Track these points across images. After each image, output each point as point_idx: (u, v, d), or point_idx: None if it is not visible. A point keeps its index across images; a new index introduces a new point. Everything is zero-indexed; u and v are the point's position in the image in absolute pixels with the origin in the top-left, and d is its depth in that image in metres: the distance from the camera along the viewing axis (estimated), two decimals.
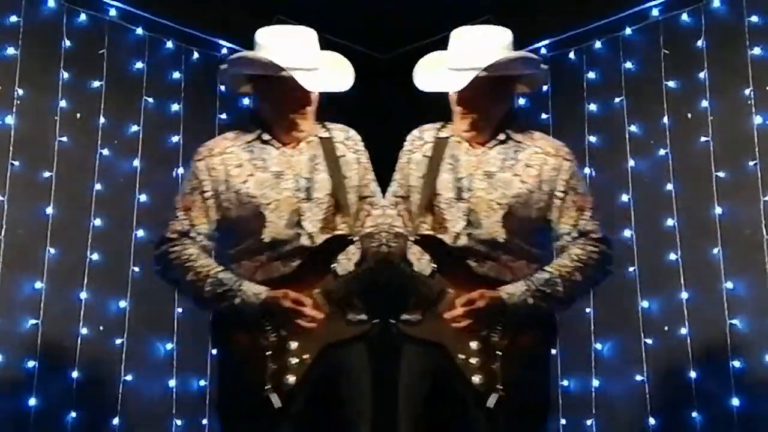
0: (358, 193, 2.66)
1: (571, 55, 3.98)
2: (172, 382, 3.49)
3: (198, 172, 2.62)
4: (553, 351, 2.58)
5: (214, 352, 2.51)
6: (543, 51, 3.95)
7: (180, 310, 3.81)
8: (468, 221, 2.63)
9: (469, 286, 2.60)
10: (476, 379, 2.56)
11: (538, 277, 2.53)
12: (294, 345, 2.59)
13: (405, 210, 2.71)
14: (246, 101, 3.75)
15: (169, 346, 3.56)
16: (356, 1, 3.88)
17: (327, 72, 2.71)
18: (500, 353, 2.56)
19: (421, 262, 2.67)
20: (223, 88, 3.88)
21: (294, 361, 2.58)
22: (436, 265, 2.60)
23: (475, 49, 2.71)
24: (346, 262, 2.64)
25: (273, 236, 2.59)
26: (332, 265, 2.62)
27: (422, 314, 2.58)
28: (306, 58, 2.67)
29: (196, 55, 3.91)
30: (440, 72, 2.71)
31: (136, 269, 3.64)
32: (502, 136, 2.63)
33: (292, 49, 2.70)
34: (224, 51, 4.05)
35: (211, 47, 4.04)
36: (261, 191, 2.57)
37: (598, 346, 3.51)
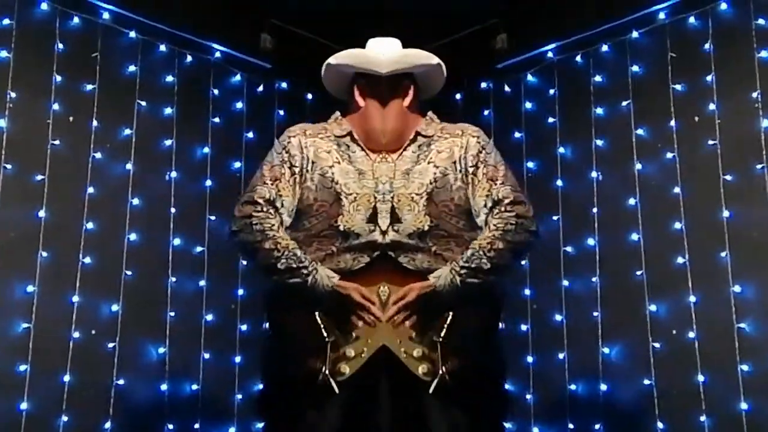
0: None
1: (578, 58, 4.17)
2: (164, 386, 3.67)
3: (290, 146, 2.69)
4: (500, 325, 2.75)
5: (268, 327, 2.74)
6: (550, 54, 4.18)
7: (172, 313, 3.96)
8: (393, 218, 2.74)
9: (405, 282, 2.67)
10: (421, 369, 2.57)
11: (462, 255, 2.55)
12: (354, 337, 2.60)
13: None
14: (240, 105, 4.22)
15: (161, 349, 3.71)
16: (355, 6, 4.13)
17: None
18: (439, 340, 2.57)
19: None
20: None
21: (351, 353, 2.58)
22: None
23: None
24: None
25: (348, 226, 2.63)
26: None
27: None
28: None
29: (189, 58, 4.14)
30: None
31: (129, 273, 3.78)
32: (411, 135, 2.74)
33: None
34: (217, 54, 4.25)
35: (204, 50, 4.23)
36: (345, 179, 2.62)
37: (606, 350, 3.70)
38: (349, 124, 2.65)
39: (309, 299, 2.51)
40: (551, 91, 4.03)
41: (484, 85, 4.19)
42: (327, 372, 2.53)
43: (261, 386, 2.70)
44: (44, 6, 3.62)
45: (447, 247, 2.62)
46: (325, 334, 2.52)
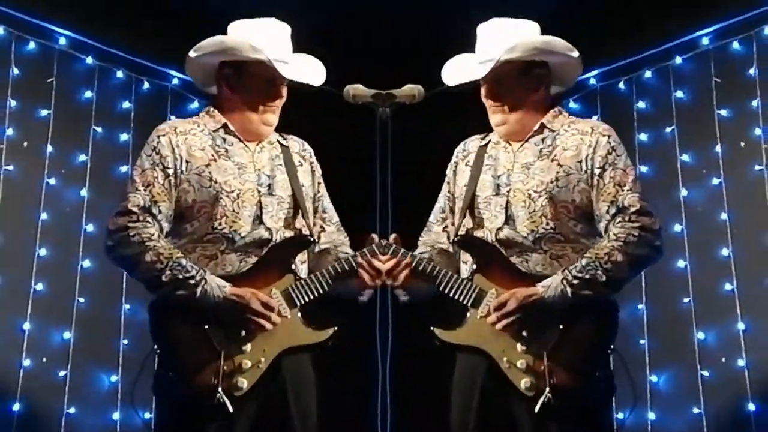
0: (313, 204, 3.05)
1: (621, 85, 4.64)
2: (116, 415, 4.15)
3: (160, 147, 2.86)
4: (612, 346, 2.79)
5: (155, 347, 2.79)
6: (592, 81, 4.67)
7: (125, 341, 4.21)
8: (506, 216, 2.80)
9: (516, 283, 2.70)
10: (523, 383, 2.60)
11: (576, 264, 2.70)
12: (249, 347, 2.70)
13: (450, 224, 2.99)
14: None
15: (113, 378, 4.12)
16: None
17: (300, 66, 2.94)
18: (547, 353, 2.60)
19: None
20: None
21: (248, 364, 2.67)
22: (475, 266, 2.79)
23: (501, 39, 2.84)
24: (300, 265, 2.92)
25: (232, 226, 2.77)
26: (292, 266, 2.82)
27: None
28: (280, 51, 2.92)
29: (146, 84, 4.69)
30: (467, 66, 2.90)
31: (82, 300, 4.23)
32: (536, 127, 2.90)
33: (266, 39, 2.86)
34: (175, 81, 4.72)
35: (161, 77, 4.71)
36: (224, 178, 2.87)
37: (654, 378, 4.14)
38: (223, 115, 2.95)
39: (199, 311, 2.69)
40: (594, 118, 4.42)
41: None
42: (220, 389, 2.55)
43: (155, 413, 2.99)
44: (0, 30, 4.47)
45: (563, 252, 2.77)
46: (217, 346, 2.67)
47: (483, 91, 2.90)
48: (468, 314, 2.73)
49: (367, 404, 2.90)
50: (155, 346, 2.73)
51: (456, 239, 2.83)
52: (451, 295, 2.74)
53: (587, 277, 2.64)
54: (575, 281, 2.64)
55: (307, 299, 2.79)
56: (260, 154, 2.92)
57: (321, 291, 2.77)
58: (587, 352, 2.64)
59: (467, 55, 2.95)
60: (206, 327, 2.62)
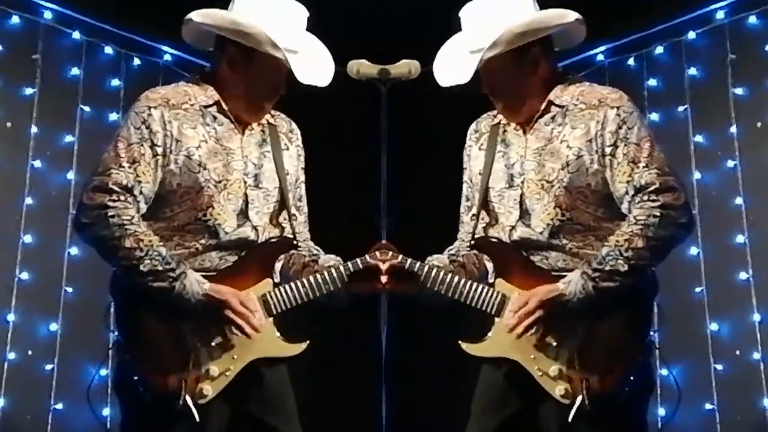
0: (293, 193, 2.94)
1: (631, 61, 4.55)
2: (106, 411, 3.99)
3: (151, 121, 2.71)
4: (651, 333, 2.65)
5: (116, 335, 2.71)
6: (600, 57, 4.59)
7: (116, 333, 4.22)
8: (521, 211, 2.68)
9: (539, 283, 2.58)
10: (558, 391, 2.52)
11: (597, 255, 2.58)
12: (220, 353, 2.61)
13: (473, 215, 2.90)
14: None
15: (103, 372, 3.90)
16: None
17: (309, 59, 2.75)
18: (578, 355, 2.52)
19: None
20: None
21: (215, 371, 2.58)
22: (495, 271, 2.68)
23: (486, 23, 2.67)
24: (276, 264, 2.80)
25: (216, 219, 2.66)
26: (274, 272, 2.72)
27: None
28: (291, 38, 2.74)
29: (137, 61, 4.56)
30: (459, 59, 2.72)
31: (69, 289, 4.15)
32: (543, 105, 2.75)
33: (278, 24, 2.69)
34: (167, 57, 4.63)
35: (153, 53, 4.60)
36: (213, 164, 2.74)
37: (664, 372, 3.93)
38: (216, 89, 2.83)
39: (174, 307, 2.60)
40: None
41: None
42: (185, 394, 2.49)
43: (119, 409, 2.82)
44: None
45: (585, 242, 2.66)
46: (187, 348, 2.59)
47: (481, 86, 2.76)
48: (494, 324, 2.62)
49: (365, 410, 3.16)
50: (116, 334, 2.66)
51: (472, 242, 2.73)
52: (472, 305, 2.64)
53: (608, 268, 2.55)
54: (596, 274, 2.56)
55: (284, 308, 2.69)
56: (249, 138, 2.81)
57: (304, 300, 2.66)
58: (619, 348, 2.54)
59: (458, 42, 2.77)
60: (178, 324, 2.55)
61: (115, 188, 2.60)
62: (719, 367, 4.25)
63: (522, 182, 2.70)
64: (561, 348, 2.58)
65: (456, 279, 2.69)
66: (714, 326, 4.30)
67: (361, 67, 2.77)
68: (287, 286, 2.69)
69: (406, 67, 2.77)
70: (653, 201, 2.58)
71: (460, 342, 2.66)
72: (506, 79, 2.72)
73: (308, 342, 2.66)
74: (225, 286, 2.62)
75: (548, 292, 2.60)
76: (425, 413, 4.37)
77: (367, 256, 2.73)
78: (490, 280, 2.73)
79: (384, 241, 2.68)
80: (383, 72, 2.74)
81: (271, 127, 2.88)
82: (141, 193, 2.64)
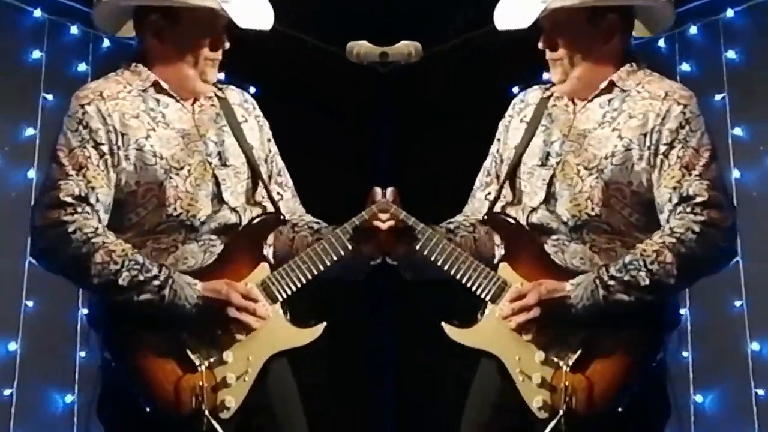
0: (266, 167, 2.73)
1: (661, 43, 4.19)
2: None
3: (88, 119, 2.51)
4: (661, 353, 2.41)
5: (109, 360, 2.46)
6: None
7: (83, 354, 3.86)
8: (548, 192, 2.52)
9: (547, 278, 2.43)
10: (536, 402, 2.34)
11: (618, 261, 2.41)
12: (230, 356, 2.44)
13: (494, 191, 2.68)
14: None
15: (69, 398, 3.77)
16: None
17: (242, 3, 2.56)
18: (568, 367, 2.34)
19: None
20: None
21: (232, 377, 2.41)
22: (503, 252, 2.53)
23: None
24: (268, 249, 2.64)
25: (188, 210, 2.49)
26: (265, 252, 2.56)
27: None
28: None
29: (106, 43, 4.20)
30: (526, 1, 2.54)
31: (30, 304, 3.85)
32: (604, 84, 2.57)
33: None
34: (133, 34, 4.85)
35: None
36: (169, 150, 2.54)
37: (699, 398, 3.78)
38: (150, 70, 2.63)
39: (168, 318, 2.40)
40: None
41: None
42: (207, 412, 2.29)
43: None
44: None
45: (610, 245, 2.48)
46: (195, 360, 2.39)
47: (541, 39, 2.57)
48: (486, 310, 2.49)
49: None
50: (108, 357, 2.43)
51: (485, 216, 2.56)
52: (468, 285, 2.48)
53: (626, 278, 2.37)
54: (611, 282, 2.37)
55: (290, 291, 2.51)
56: (201, 116, 2.61)
57: (308, 278, 2.49)
58: (616, 370, 2.35)
59: None
60: (178, 334, 2.37)
61: (69, 200, 2.43)
62: (761, 392, 3.93)
63: (557, 163, 2.54)
64: (551, 354, 2.42)
65: (457, 252, 2.51)
66: (755, 346, 4.00)
67: (361, 49, 2.59)
68: (287, 267, 2.51)
69: (406, 48, 2.58)
70: (696, 214, 2.39)
71: (443, 324, 2.50)
72: (572, 38, 2.54)
73: (325, 324, 2.47)
74: (219, 281, 2.44)
75: (552, 289, 2.43)
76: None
77: (364, 213, 2.53)
78: (495, 263, 2.61)
79: (383, 192, 2.44)
80: (384, 54, 2.55)
81: (222, 101, 2.69)
82: (98, 200, 2.46)
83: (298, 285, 2.53)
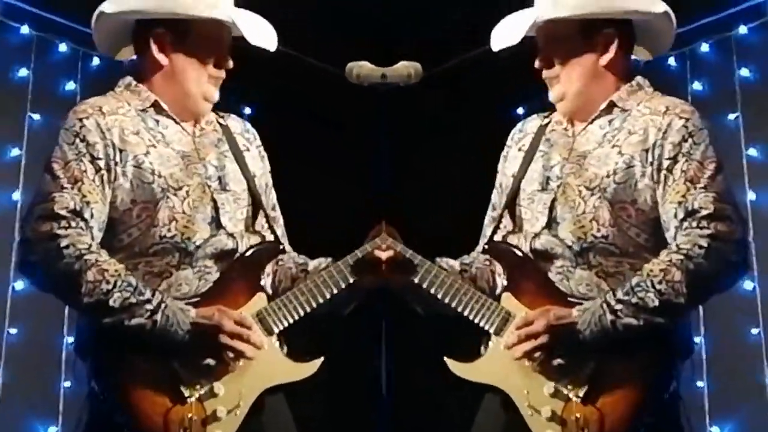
0: (265, 197, 2.69)
1: (671, 61, 4.15)
2: None
3: (86, 132, 2.46)
4: (674, 382, 2.34)
5: (95, 388, 2.37)
6: (634, 57, 3.81)
7: (67, 384, 3.78)
8: (550, 216, 2.46)
9: (553, 306, 2.39)
10: None
11: (624, 284, 2.34)
12: (222, 388, 2.37)
13: (495, 220, 2.65)
14: None
15: (52, 429, 3.68)
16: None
17: (249, 23, 2.50)
18: (579, 399, 2.27)
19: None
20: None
21: (223, 411, 2.33)
22: (506, 283, 2.49)
23: None
24: (266, 278, 2.60)
25: (184, 233, 2.43)
26: (262, 282, 2.52)
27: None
28: (223, 8, 2.51)
29: (96, 61, 4.14)
30: (518, 20, 2.49)
31: (13, 331, 3.76)
32: (604, 105, 2.52)
33: None
34: (132, 57, 4.06)
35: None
36: (168, 169, 2.49)
37: (716, 429, 3.69)
38: (150, 90, 2.58)
39: (160, 345, 2.35)
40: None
41: None
42: None
43: None
44: None
45: (618, 269, 2.42)
46: (185, 392, 2.33)
47: (537, 59, 2.52)
48: (490, 343, 2.43)
49: None
50: (95, 386, 2.36)
51: (485, 247, 2.51)
52: (470, 318, 2.41)
53: (634, 300, 2.30)
54: (619, 306, 2.29)
55: (287, 323, 2.44)
56: (202, 139, 2.57)
57: (307, 310, 2.43)
58: (630, 400, 2.28)
59: (527, 10, 2.55)
60: (169, 363, 2.29)
61: (63, 213, 2.34)
62: None
63: (558, 186, 2.48)
64: (561, 385, 2.34)
65: (457, 284, 2.45)
66: None
67: (361, 70, 2.53)
68: (284, 298, 2.45)
69: (406, 70, 2.53)
70: (702, 228, 2.31)
71: (446, 359, 2.43)
72: (566, 53, 2.49)
73: (322, 358, 2.40)
74: (212, 307, 2.36)
75: (560, 316, 2.36)
76: None
77: (367, 246, 2.49)
78: (497, 293, 2.54)
79: (383, 227, 2.44)
80: (383, 76, 2.49)
81: (224, 128, 2.64)
82: (92, 216, 2.38)
83: (295, 317, 2.48)
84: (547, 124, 2.63)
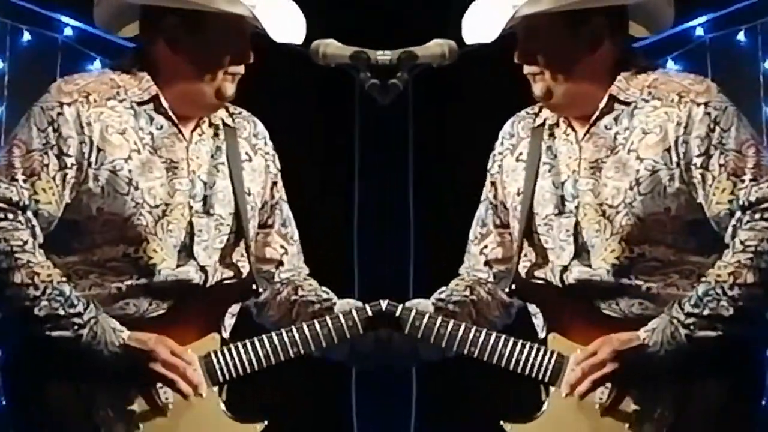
0: (260, 218, 2.51)
1: (741, 36, 3.76)
2: None
3: (62, 121, 2.27)
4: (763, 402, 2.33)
5: (5, 404, 2.32)
6: (699, 32, 3.84)
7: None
8: (576, 244, 2.31)
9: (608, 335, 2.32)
10: None
11: (690, 295, 2.20)
12: (142, 428, 2.19)
13: (500, 245, 2.48)
14: None
15: None
16: None
17: (272, 13, 2.28)
18: (668, 430, 2.16)
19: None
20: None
21: None
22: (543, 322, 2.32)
23: None
24: (229, 319, 2.40)
25: (150, 256, 2.26)
26: (224, 323, 2.32)
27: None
28: None
29: (27, 36, 3.79)
30: (496, 12, 2.28)
31: None
32: (603, 102, 2.34)
33: None
34: (68, 32, 3.87)
35: (48, 26, 3.83)
36: (148, 182, 2.30)
37: None
38: (154, 80, 2.40)
39: (83, 364, 2.20)
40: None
41: None
42: None
43: None
44: None
45: (667, 281, 2.29)
46: (102, 420, 2.18)
47: (516, 52, 2.31)
48: (547, 395, 2.25)
49: None
50: (4, 404, 2.27)
51: (512, 286, 2.32)
52: (516, 371, 2.23)
53: (706, 312, 2.18)
54: (690, 320, 2.18)
55: (236, 375, 2.23)
56: (198, 147, 2.37)
57: (264, 365, 2.23)
58: (724, 423, 2.17)
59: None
60: (89, 391, 2.15)
61: (2, 205, 2.19)
62: None
63: (576, 207, 2.32)
64: (644, 420, 2.18)
65: (493, 338, 2.22)
66: None
67: (328, 49, 2.22)
68: (242, 345, 2.24)
69: (440, 48, 2.21)
70: (766, 220, 2.17)
71: (502, 424, 2.23)
72: (551, 49, 2.31)
73: (265, 423, 2.20)
74: (150, 333, 2.21)
75: (625, 340, 2.21)
76: None
77: (368, 308, 2.32)
78: (541, 336, 2.31)
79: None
80: (358, 57, 2.18)
81: (228, 130, 2.43)
82: (37, 214, 2.23)
83: (248, 370, 2.27)
84: (540, 126, 2.46)
